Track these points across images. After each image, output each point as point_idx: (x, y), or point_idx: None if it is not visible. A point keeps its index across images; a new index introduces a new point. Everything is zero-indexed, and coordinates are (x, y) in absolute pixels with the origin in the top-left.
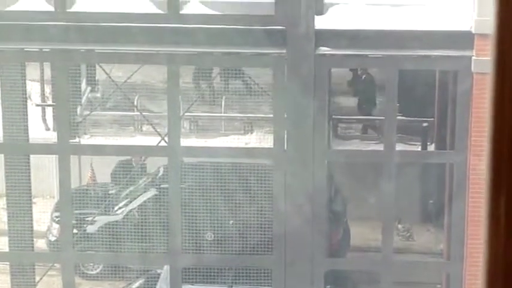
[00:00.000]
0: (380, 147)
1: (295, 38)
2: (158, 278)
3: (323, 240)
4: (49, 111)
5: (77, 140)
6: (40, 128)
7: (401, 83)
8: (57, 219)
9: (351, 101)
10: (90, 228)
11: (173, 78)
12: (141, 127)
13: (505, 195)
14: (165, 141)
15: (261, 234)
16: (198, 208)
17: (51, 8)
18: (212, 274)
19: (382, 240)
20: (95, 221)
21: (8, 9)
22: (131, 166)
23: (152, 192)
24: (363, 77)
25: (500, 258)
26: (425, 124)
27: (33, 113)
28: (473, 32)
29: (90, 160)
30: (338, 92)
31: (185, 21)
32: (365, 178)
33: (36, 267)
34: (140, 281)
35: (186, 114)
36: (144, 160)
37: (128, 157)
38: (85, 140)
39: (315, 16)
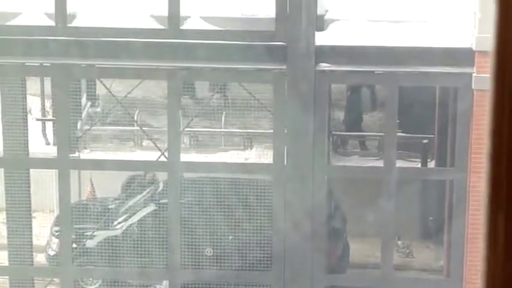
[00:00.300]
0: (380, 163)
1: (295, 54)
2: None
3: (322, 256)
4: (49, 125)
5: (76, 154)
6: (40, 143)
7: (401, 99)
8: (56, 234)
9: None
10: (89, 243)
11: (174, 94)
12: (141, 142)
13: (503, 210)
14: (165, 157)
15: (260, 250)
16: (197, 223)
17: (52, 23)
18: None
19: (382, 257)
20: (94, 235)
21: (9, 23)
22: (143, 180)
23: (151, 208)
24: (348, 93)
25: (499, 275)
26: (425, 141)
27: (34, 127)
28: (474, 49)
29: (90, 175)
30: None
31: (186, 36)
32: (364, 194)
33: (35, 281)
34: None
35: (186, 129)
36: (154, 175)
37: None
38: (85, 154)
39: (316, 32)
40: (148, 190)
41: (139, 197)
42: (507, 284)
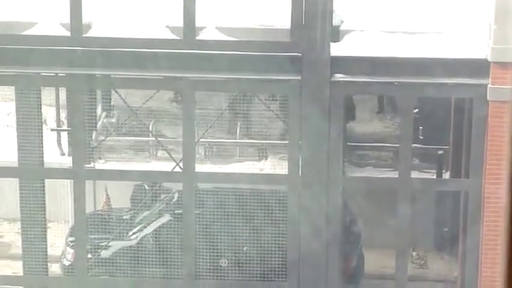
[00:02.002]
0: (395, 174)
1: (311, 65)
2: None
3: (337, 266)
4: (64, 135)
5: (91, 165)
6: (55, 153)
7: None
8: (71, 244)
9: None
10: (104, 253)
11: (188, 104)
12: (156, 152)
13: None
14: (180, 167)
15: (275, 260)
16: (212, 234)
17: (67, 33)
18: None
19: (396, 268)
20: (109, 246)
21: (24, 33)
22: (148, 190)
23: (166, 218)
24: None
25: None
26: (440, 152)
27: (49, 137)
28: (489, 60)
29: (104, 185)
30: None
31: (201, 47)
32: (379, 205)
33: None
34: None
35: (201, 140)
36: (159, 184)
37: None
38: (100, 165)
39: (331, 43)
40: (162, 200)
41: (153, 207)
42: None
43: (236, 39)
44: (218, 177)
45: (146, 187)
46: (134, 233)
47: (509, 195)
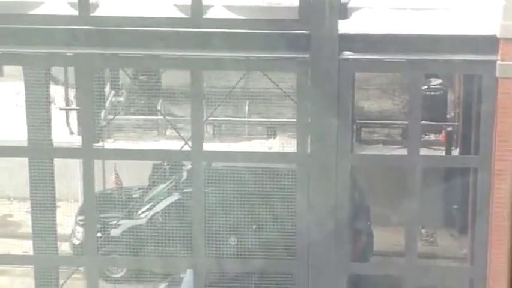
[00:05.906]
0: (404, 151)
1: (319, 42)
2: (181, 282)
3: (346, 244)
4: (73, 115)
5: (101, 144)
6: (64, 132)
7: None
8: (81, 223)
9: None
10: (114, 232)
11: (197, 83)
12: (165, 131)
13: None
14: (189, 146)
15: (284, 238)
16: (221, 212)
17: (74, 12)
18: (235, 278)
19: (406, 245)
20: (119, 224)
21: (31, 12)
22: (166, 168)
23: (175, 197)
24: None
25: None
26: (449, 128)
27: (58, 116)
28: (498, 36)
29: (114, 164)
30: None
31: (209, 25)
32: (388, 183)
33: (60, 270)
34: (164, 285)
35: (210, 118)
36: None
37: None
38: (109, 144)
39: (339, 20)
40: (171, 179)
41: (163, 186)
42: None
43: (243, 18)
44: (226, 155)
45: (166, 166)
46: (143, 212)
47: None
